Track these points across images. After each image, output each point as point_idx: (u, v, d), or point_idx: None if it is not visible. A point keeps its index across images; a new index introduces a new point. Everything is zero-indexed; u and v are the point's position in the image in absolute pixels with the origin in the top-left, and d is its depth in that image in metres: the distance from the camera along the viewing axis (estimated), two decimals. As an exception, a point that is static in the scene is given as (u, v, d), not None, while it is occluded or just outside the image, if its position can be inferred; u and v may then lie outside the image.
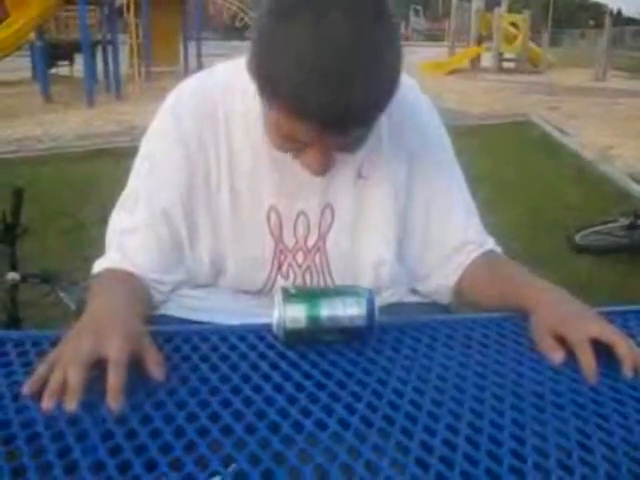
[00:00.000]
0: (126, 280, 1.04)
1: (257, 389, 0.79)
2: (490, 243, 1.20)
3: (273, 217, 1.10)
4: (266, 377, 0.82)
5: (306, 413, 0.74)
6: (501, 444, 0.70)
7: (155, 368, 0.80)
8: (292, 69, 0.81)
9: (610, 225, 4.14)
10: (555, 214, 4.74)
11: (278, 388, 0.80)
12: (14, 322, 2.33)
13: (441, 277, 1.18)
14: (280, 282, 1.13)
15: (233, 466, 0.64)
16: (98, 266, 1.08)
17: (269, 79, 0.85)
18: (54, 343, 0.88)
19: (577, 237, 4.08)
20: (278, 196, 1.09)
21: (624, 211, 4.26)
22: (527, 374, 0.86)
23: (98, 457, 0.65)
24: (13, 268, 2.36)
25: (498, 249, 1.21)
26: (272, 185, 1.08)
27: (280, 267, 1.13)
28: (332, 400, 0.77)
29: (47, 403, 0.72)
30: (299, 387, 0.80)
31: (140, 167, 1.12)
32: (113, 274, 1.05)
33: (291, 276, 1.13)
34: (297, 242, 1.12)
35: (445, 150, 1.20)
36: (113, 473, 0.63)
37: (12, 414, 0.73)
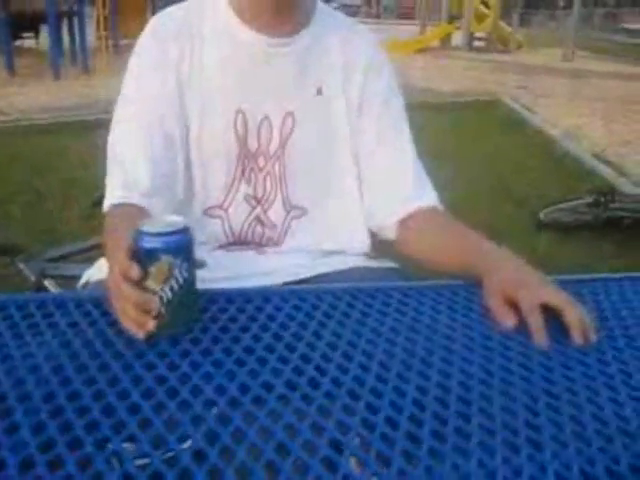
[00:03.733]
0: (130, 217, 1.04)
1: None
2: (435, 199, 1.25)
3: (240, 120, 1.18)
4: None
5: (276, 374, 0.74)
6: (448, 406, 0.71)
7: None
8: None
9: (574, 202, 4.18)
10: (521, 191, 4.76)
11: (227, 351, 0.79)
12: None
13: (387, 211, 1.23)
14: (243, 187, 1.21)
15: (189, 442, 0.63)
16: (108, 201, 1.13)
17: None
18: (1, 307, 0.87)
19: (542, 214, 4.11)
20: (245, 100, 1.18)
21: (589, 189, 4.30)
22: (477, 340, 0.87)
23: (40, 419, 0.64)
24: (-29, 239, 2.32)
25: (441, 207, 1.25)
26: (238, 87, 1.18)
27: (244, 172, 1.21)
28: (281, 364, 0.77)
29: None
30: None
31: (126, 81, 1.20)
32: (119, 212, 1.09)
33: (252, 180, 1.22)
34: (259, 147, 1.21)
35: (396, 95, 1.28)
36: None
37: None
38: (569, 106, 9.14)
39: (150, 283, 0.80)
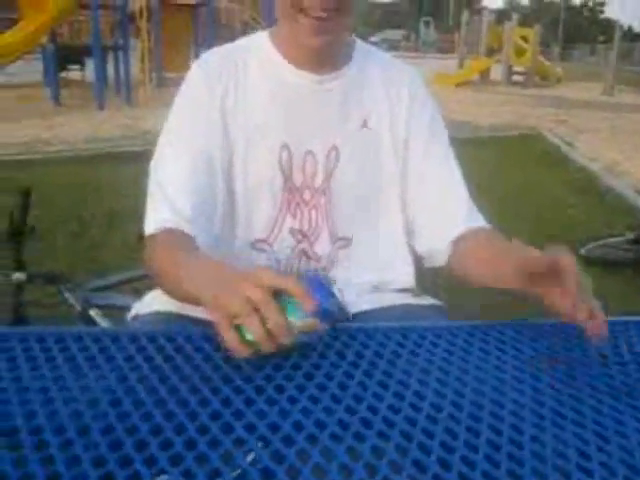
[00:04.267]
0: (186, 242, 1.08)
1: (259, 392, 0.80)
2: (483, 221, 1.26)
3: (285, 155, 1.20)
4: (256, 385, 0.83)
5: (307, 414, 0.75)
6: (499, 448, 0.71)
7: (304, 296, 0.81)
8: None
9: (616, 239, 4.13)
10: (561, 226, 4.73)
11: (279, 389, 0.80)
12: (19, 322, 2.34)
13: (440, 234, 1.24)
14: (288, 221, 1.23)
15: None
16: (153, 225, 1.12)
17: None
18: (58, 340, 0.90)
19: (583, 250, 4.07)
20: (289, 135, 1.20)
21: (630, 225, 4.25)
22: (527, 381, 0.86)
23: (99, 453, 0.66)
24: (19, 268, 2.37)
25: (489, 226, 1.26)
26: (283, 122, 1.20)
27: (289, 205, 1.23)
28: (333, 402, 0.78)
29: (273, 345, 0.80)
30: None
31: (172, 114, 1.22)
32: (172, 237, 1.09)
33: (298, 214, 1.23)
34: (304, 181, 1.22)
35: (441, 125, 1.30)
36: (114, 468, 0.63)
37: (16, 408, 0.73)
38: (609, 141, 9.07)
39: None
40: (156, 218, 1.13)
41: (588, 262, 3.99)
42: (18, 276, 2.37)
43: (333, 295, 0.86)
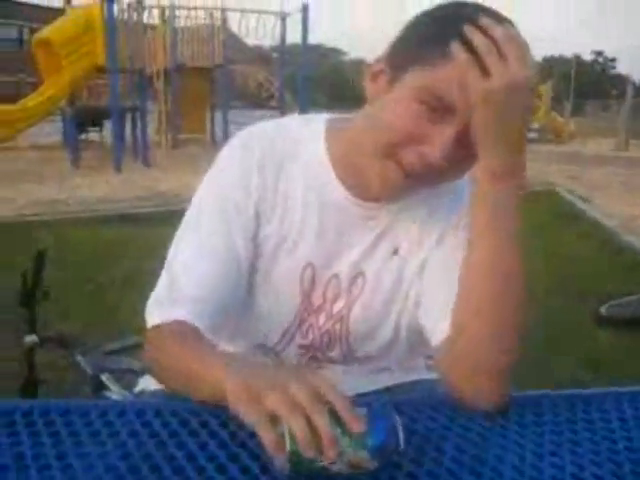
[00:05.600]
0: (201, 336, 0.98)
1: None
2: None
3: (308, 273, 1.10)
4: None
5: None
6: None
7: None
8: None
9: (635, 297, 4.08)
10: (578, 285, 4.67)
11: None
12: (31, 385, 2.32)
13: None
14: (298, 339, 1.13)
15: None
16: (161, 314, 1.02)
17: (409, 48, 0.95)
18: (63, 413, 0.88)
19: (602, 309, 4.01)
20: (317, 254, 1.10)
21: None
22: (546, 457, 0.83)
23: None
24: (32, 331, 2.36)
25: None
26: (315, 241, 1.09)
27: (301, 325, 1.13)
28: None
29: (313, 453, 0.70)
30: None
31: (203, 199, 1.11)
32: (185, 329, 0.98)
33: (309, 336, 1.13)
34: (323, 303, 1.12)
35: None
36: None
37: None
38: (625, 196, 9.05)
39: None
40: (163, 309, 1.03)
41: (608, 320, 3.93)
42: (30, 339, 2.36)
43: (394, 430, 0.76)
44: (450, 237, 1.06)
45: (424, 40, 0.93)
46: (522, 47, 0.89)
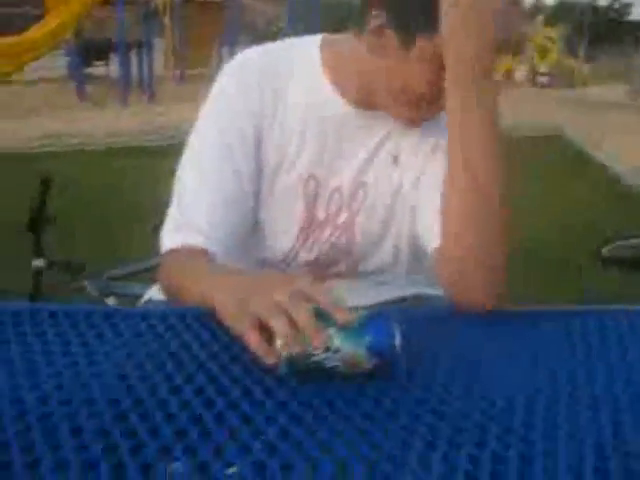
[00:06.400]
0: (207, 259, 1.03)
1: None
2: None
3: (311, 186, 1.13)
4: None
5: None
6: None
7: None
8: None
9: (636, 239, 4.08)
10: (583, 227, 4.68)
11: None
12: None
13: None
14: (303, 254, 1.15)
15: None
16: (171, 240, 1.07)
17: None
18: (69, 315, 0.90)
19: (604, 250, 4.02)
20: (319, 166, 1.12)
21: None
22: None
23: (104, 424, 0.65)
24: (38, 255, 2.39)
25: None
26: (315, 153, 1.12)
27: (306, 240, 1.15)
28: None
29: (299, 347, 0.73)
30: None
31: (205, 124, 1.13)
32: (192, 253, 1.04)
33: (315, 251, 1.16)
34: (328, 216, 1.15)
35: None
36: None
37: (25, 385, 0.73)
38: (636, 142, 8.96)
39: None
40: (175, 235, 1.07)
41: (609, 261, 3.94)
42: (37, 263, 2.39)
43: (391, 332, 0.76)
44: (444, 145, 1.07)
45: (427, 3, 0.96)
46: None
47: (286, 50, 1.16)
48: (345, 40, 1.12)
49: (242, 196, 1.10)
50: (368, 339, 0.75)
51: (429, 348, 0.86)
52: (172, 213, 1.10)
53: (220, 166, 1.09)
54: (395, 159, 1.13)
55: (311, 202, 1.13)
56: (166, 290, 1.09)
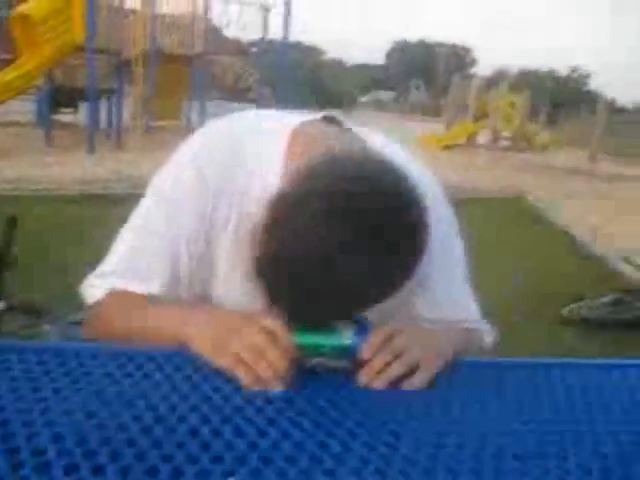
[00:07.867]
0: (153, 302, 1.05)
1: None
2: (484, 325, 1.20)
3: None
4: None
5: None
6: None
7: None
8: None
9: (597, 301, 4.18)
10: (544, 288, 4.75)
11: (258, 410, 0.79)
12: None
13: None
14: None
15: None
16: (102, 289, 1.10)
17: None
18: (37, 352, 0.89)
19: (565, 310, 4.11)
20: None
21: (613, 287, 4.32)
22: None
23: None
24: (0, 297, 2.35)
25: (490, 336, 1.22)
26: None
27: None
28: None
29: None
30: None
31: (153, 206, 1.12)
32: (129, 295, 1.07)
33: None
34: None
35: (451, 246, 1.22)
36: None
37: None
38: (592, 206, 9.20)
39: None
40: (111, 281, 1.10)
41: (570, 322, 4.03)
42: (-2, 305, 2.35)
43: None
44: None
45: None
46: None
47: (247, 156, 1.09)
48: (318, 128, 1.11)
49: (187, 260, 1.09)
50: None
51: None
52: (108, 261, 1.13)
53: (163, 245, 1.08)
54: None
55: None
56: (108, 334, 1.06)
